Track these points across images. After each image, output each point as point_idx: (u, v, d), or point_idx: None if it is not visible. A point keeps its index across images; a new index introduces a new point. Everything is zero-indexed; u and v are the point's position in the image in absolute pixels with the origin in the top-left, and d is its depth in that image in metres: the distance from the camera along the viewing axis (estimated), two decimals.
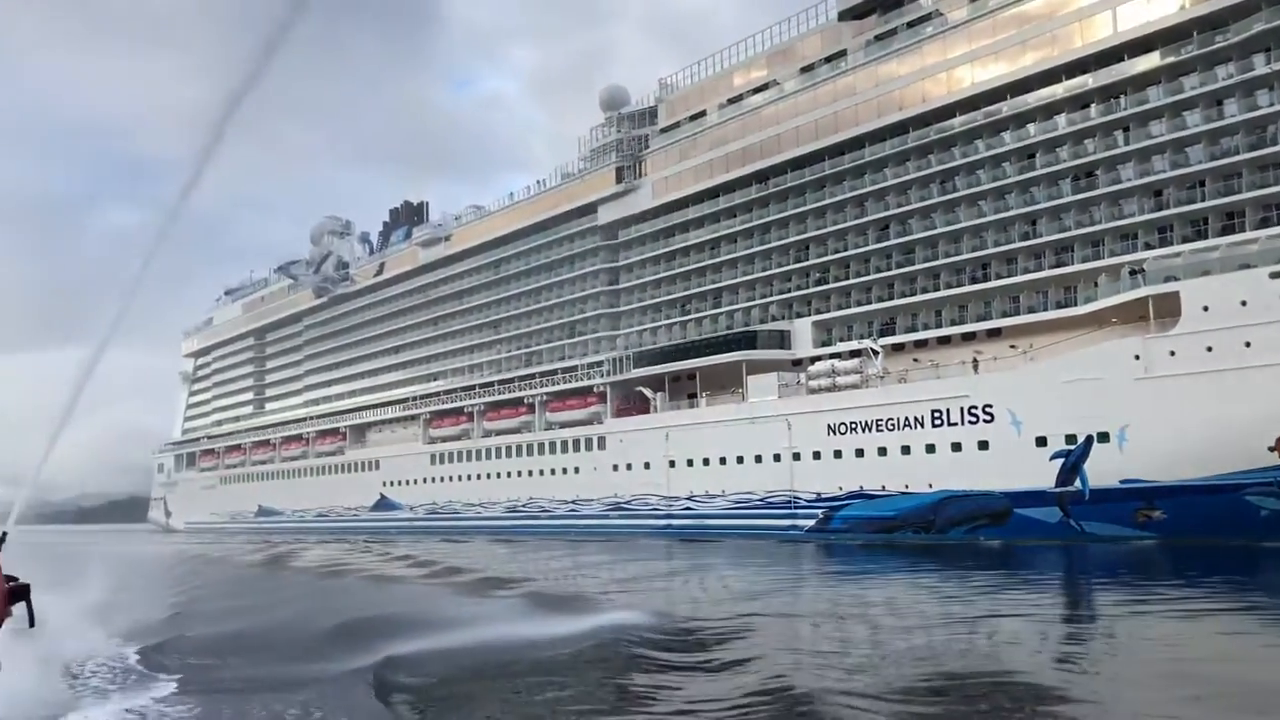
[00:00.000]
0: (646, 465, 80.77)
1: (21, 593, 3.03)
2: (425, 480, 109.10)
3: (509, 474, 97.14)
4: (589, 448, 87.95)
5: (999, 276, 63.83)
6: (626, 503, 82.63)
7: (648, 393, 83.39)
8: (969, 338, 64.88)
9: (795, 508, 68.45)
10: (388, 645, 20.53)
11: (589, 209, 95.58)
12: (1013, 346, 61.47)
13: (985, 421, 58.25)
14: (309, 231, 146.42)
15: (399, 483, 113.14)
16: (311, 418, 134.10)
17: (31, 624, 3.09)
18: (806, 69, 77.12)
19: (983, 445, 58.28)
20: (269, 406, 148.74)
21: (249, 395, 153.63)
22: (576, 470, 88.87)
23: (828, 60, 75.62)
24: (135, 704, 16.56)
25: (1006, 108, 64.22)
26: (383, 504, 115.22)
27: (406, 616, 25.98)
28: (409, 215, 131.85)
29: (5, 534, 3.84)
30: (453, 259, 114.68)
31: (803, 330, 74.95)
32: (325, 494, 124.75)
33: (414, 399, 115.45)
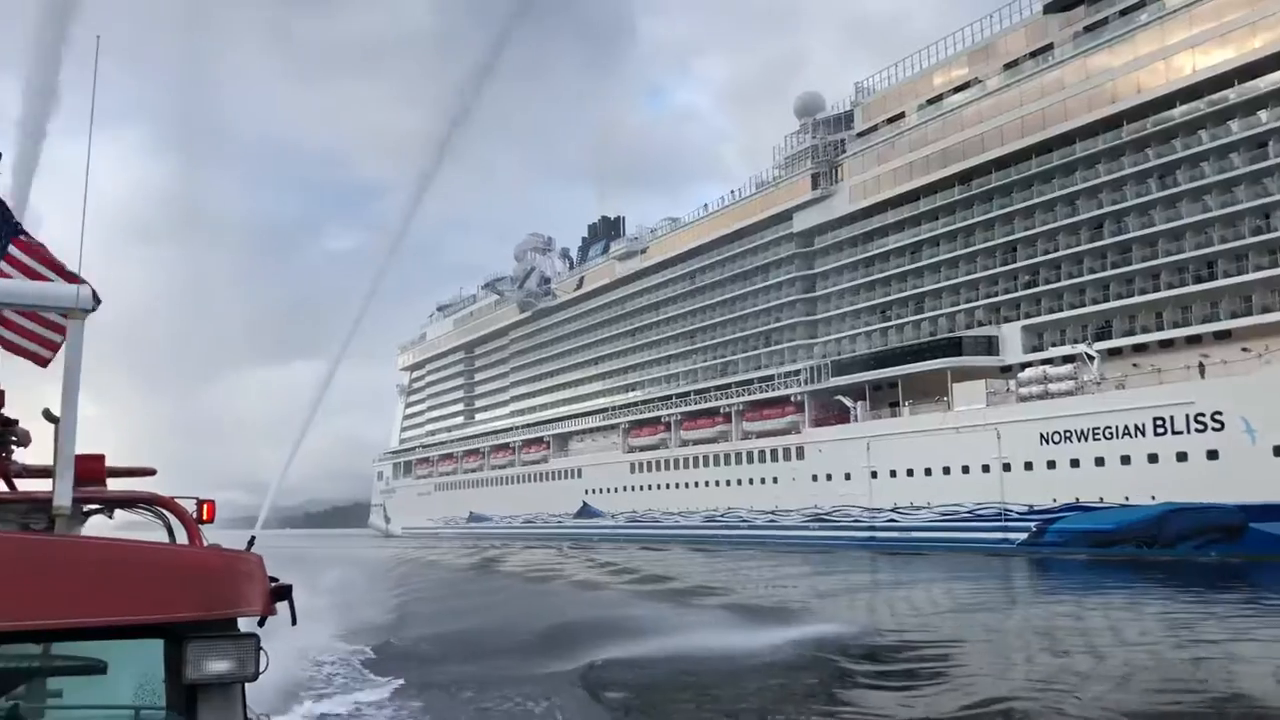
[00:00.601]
0: (847, 476, 79.41)
1: (284, 592, 3.35)
2: (625, 489, 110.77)
3: (706, 483, 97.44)
4: (787, 458, 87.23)
5: (1227, 275, 59.45)
6: (827, 514, 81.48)
7: (847, 402, 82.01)
8: (1194, 340, 60.64)
9: (1006, 520, 65.76)
10: (593, 650, 21.03)
11: (784, 217, 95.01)
12: (1245, 349, 57.06)
13: (1214, 429, 54.31)
14: (513, 249, 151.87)
15: (600, 490, 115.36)
16: (517, 427, 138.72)
17: (294, 622, 3.38)
18: (1010, 65, 74.21)
19: (1211, 455, 54.34)
20: (478, 417, 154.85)
21: (460, 406, 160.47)
22: (775, 480, 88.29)
23: (1033, 55, 72.54)
24: (365, 699, 17.65)
25: (1234, 94, 59.82)
26: (585, 511, 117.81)
27: (610, 622, 26.50)
28: (606, 230, 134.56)
29: (254, 537, 4.24)
30: (649, 271, 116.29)
31: (1011, 335, 71.97)
32: (531, 501, 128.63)
33: (613, 409, 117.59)
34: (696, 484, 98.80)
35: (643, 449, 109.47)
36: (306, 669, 19.92)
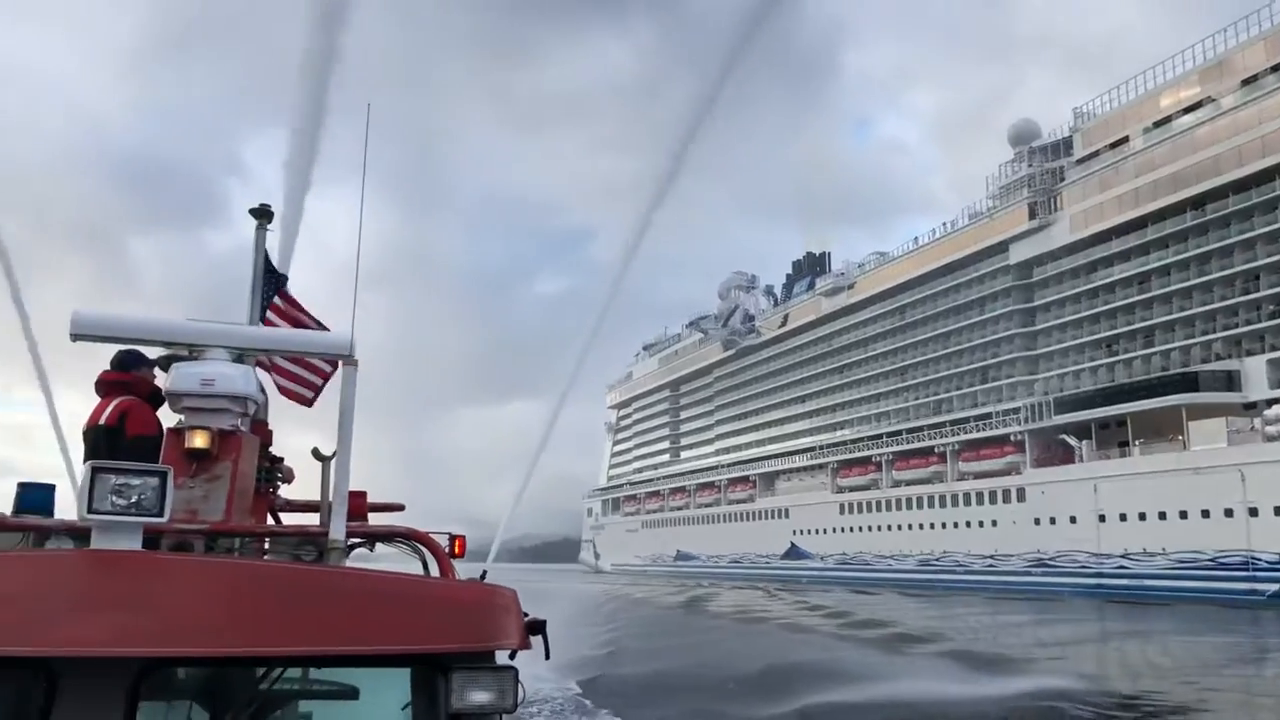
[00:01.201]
0: (1072, 519, 75.16)
1: (538, 627, 3.48)
2: (834, 530, 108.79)
3: (920, 525, 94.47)
4: (1007, 500, 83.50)
5: None
6: (1050, 559, 77.32)
7: (1071, 441, 77.76)
8: None
9: (1253, 570, 60.51)
10: (806, 694, 20.65)
11: (999, 248, 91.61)
12: None
13: None
14: (716, 287, 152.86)
15: (808, 531, 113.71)
16: (723, 466, 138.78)
17: (547, 656, 3.51)
18: (1249, 81, 69.19)
19: None
20: (684, 455, 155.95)
21: (666, 444, 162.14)
22: (994, 523, 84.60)
23: (1275, 69, 67.42)
24: None
25: None
26: (793, 552, 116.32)
27: (823, 666, 25.98)
28: (811, 266, 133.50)
29: (485, 572, 4.45)
30: (856, 307, 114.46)
31: (1256, 369, 66.52)
32: (737, 540, 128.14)
33: (821, 448, 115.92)
34: (910, 526, 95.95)
35: (852, 489, 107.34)
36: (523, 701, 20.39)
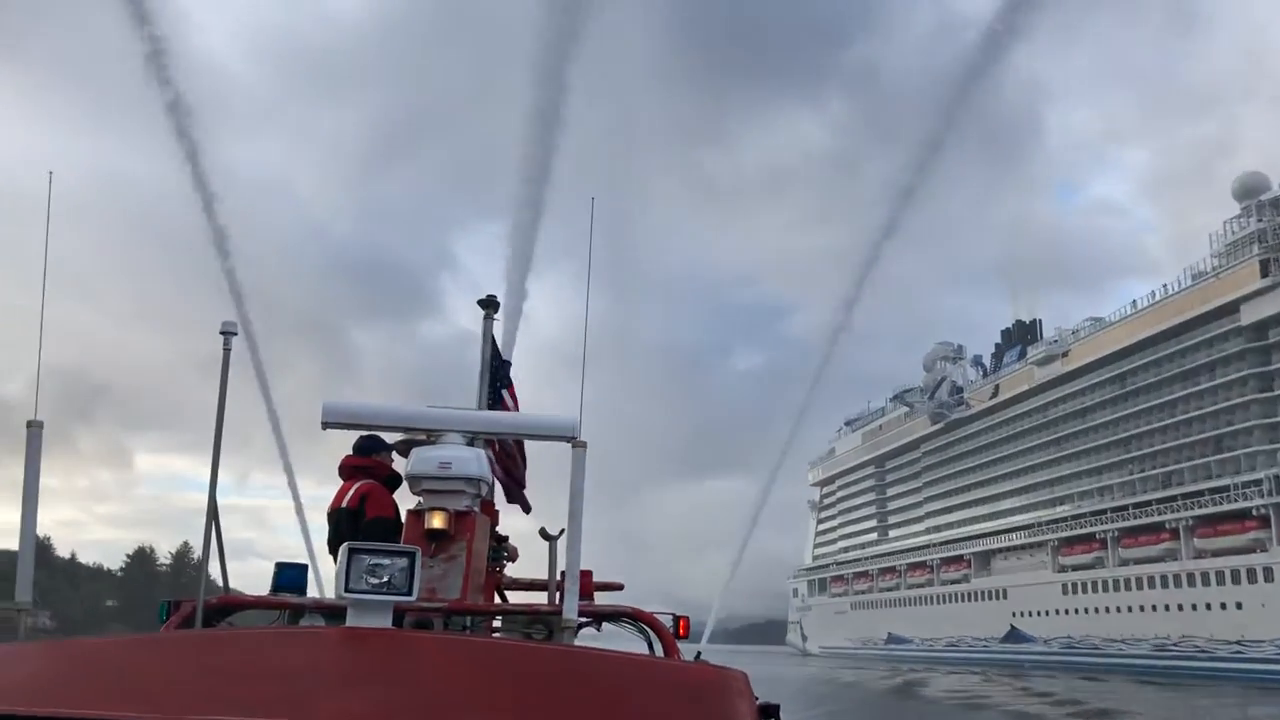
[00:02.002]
0: None
1: (772, 710, 3.46)
2: (1057, 611, 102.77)
3: (1154, 607, 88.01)
4: (1253, 579, 76.85)
5: None
6: None
7: None
8: None
9: None
10: None
11: (1228, 309, 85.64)
12: None
13: None
14: (920, 359, 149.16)
15: (1029, 613, 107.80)
16: (934, 545, 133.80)
17: None
18: None
19: None
20: (892, 533, 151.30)
21: (872, 522, 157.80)
22: (1238, 605, 77.89)
23: None
24: None
25: None
26: (1013, 635, 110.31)
27: None
28: (1021, 334, 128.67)
29: (700, 653, 4.48)
30: (1071, 375, 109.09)
31: None
32: (953, 623, 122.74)
33: (1039, 524, 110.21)
34: (1142, 608, 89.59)
35: (1076, 568, 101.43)
36: None
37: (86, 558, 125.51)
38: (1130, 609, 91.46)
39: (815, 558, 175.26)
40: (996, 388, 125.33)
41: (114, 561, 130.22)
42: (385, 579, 3.31)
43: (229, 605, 4.76)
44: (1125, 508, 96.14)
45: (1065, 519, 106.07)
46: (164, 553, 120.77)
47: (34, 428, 3.77)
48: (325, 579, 6.09)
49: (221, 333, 4.33)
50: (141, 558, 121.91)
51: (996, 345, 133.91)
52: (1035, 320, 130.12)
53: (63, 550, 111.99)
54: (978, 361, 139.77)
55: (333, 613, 4.62)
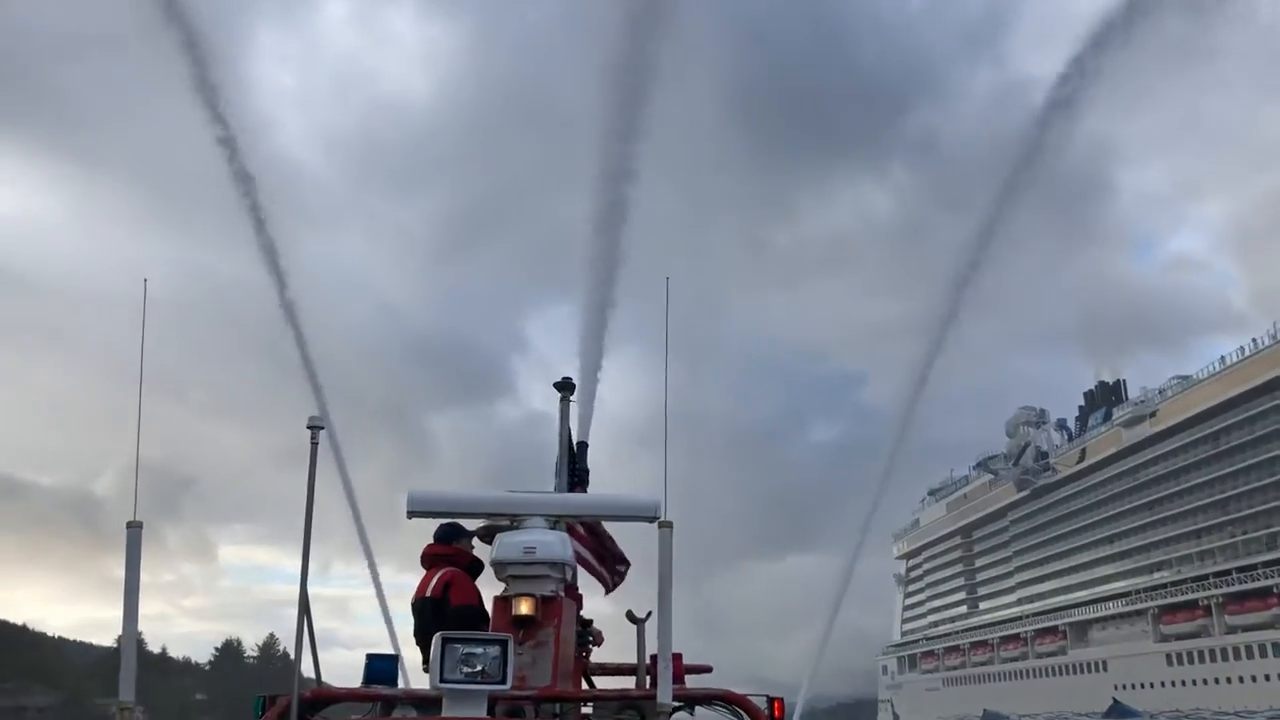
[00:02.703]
0: None
1: None
2: (1162, 683, 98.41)
3: (1265, 676, 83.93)
4: None
5: None
6: None
7: None
8: None
9: None
10: None
11: None
12: None
13: None
14: (1002, 425, 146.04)
15: (1131, 685, 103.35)
16: (1028, 616, 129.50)
17: None
18: None
19: None
20: (983, 605, 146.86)
21: (961, 595, 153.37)
22: None
23: None
24: None
25: None
26: (1116, 709, 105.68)
27: None
28: (1105, 396, 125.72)
29: None
30: (1161, 436, 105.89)
31: None
32: (1051, 697, 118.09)
33: (1137, 592, 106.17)
34: (1254, 677, 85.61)
35: (1179, 637, 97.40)
36: None
37: (174, 651, 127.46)
38: (1241, 679, 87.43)
39: (904, 633, 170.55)
40: (1083, 451, 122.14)
41: (200, 654, 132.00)
42: (479, 668, 3.30)
43: (322, 698, 4.75)
44: (1229, 572, 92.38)
45: (1165, 585, 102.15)
46: (250, 645, 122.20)
47: (134, 528, 3.83)
48: (411, 668, 6.08)
49: (309, 427, 4.40)
50: (229, 650, 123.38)
51: (1080, 408, 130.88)
52: (1119, 381, 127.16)
53: (152, 644, 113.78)
54: (1062, 425, 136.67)
55: (424, 703, 4.60)
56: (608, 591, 6.47)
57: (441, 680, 3.33)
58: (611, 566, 6.36)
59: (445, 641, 3.37)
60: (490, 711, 3.51)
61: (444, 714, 3.37)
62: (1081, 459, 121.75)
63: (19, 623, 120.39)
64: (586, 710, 5.07)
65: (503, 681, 3.34)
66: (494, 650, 3.35)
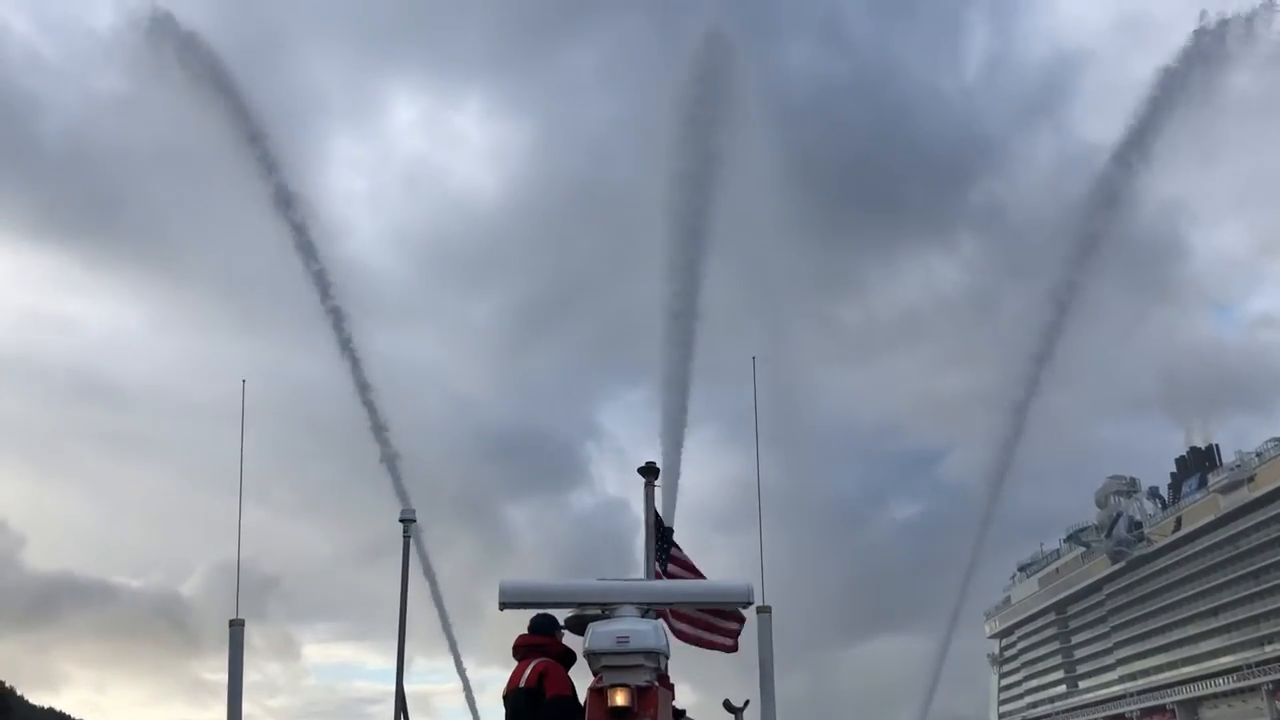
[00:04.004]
0: None
1: None
2: None
3: None
4: None
5: None
6: None
7: None
8: None
9: None
10: None
11: None
12: None
13: None
14: (1090, 495, 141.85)
15: None
16: (1131, 694, 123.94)
17: None
18: None
19: None
20: (1082, 684, 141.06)
21: (1059, 674, 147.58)
22: None
23: None
24: None
25: None
26: None
27: None
28: (1198, 461, 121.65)
29: None
30: (1262, 502, 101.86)
31: None
32: None
33: (1249, 666, 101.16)
34: None
35: None
36: None
37: None
38: None
39: (1001, 715, 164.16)
40: (1179, 520, 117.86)
41: None
42: None
43: None
44: None
45: (1278, 659, 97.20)
46: None
47: (236, 626, 3.91)
48: None
49: (401, 520, 4.49)
50: None
51: (1172, 475, 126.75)
52: (1211, 445, 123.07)
53: None
54: (1154, 494, 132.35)
55: None
56: (731, 649, 6.35)
57: None
58: (724, 627, 6.28)
59: None
60: None
61: None
62: (1178, 528, 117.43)
63: None
64: None
65: None
66: None
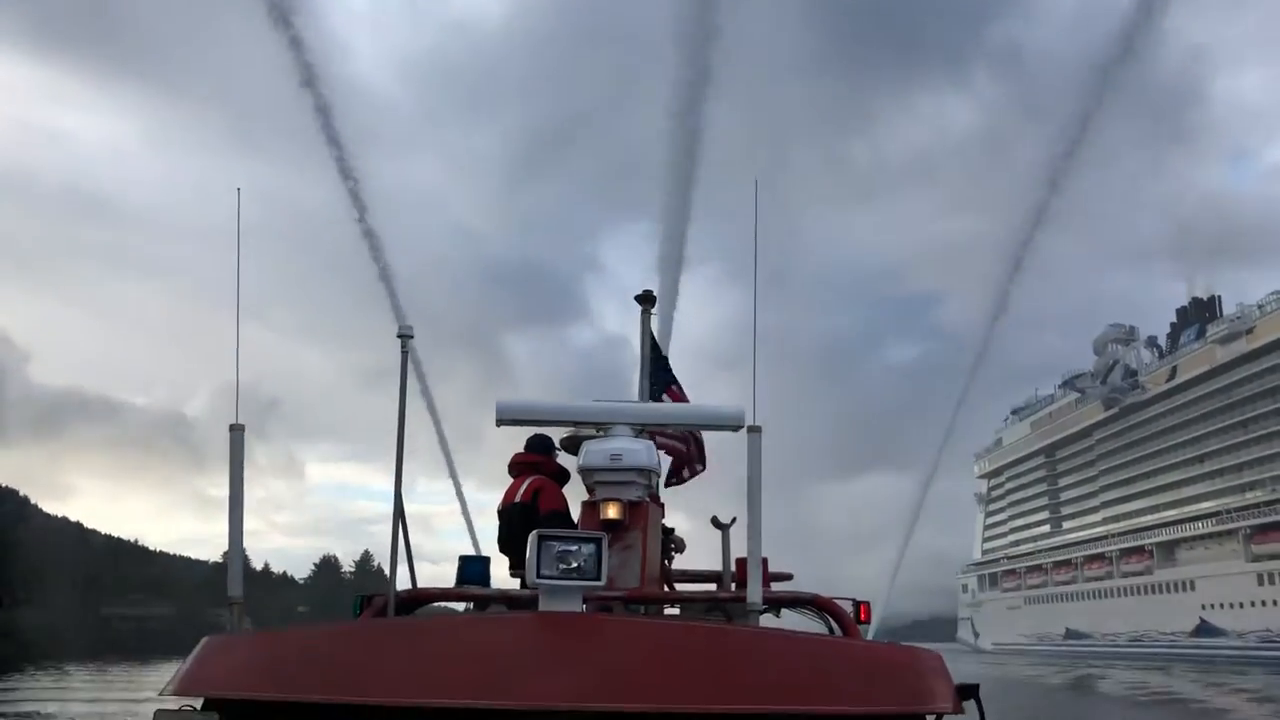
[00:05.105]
0: None
1: (971, 691, 3.41)
2: (1252, 603, 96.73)
3: None
4: None
5: None
6: None
7: None
8: None
9: None
10: None
11: None
12: None
13: None
14: (1089, 343, 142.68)
15: (1220, 605, 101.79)
16: (1113, 536, 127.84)
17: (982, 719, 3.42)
18: None
19: None
20: (1065, 525, 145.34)
21: (1044, 514, 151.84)
22: None
23: None
24: None
25: None
26: (1202, 629, 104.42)
27: None
28: (1198, 312, 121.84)
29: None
30: (1258, 353, 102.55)
31: None
32: (1135, 617, 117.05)
33: (1228, 512, 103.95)
34: None
35: (1272, 557, 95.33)
36: None
37: (273, 566, 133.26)
38: None
39: (985, 552, 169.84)
40: (1174, 369, 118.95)
41: (295, 568, 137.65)
42: (575, 565, 3.43)
43: (418, 599, 4.97)
44: None
45: (1257, 505, 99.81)
46: (346, 561, 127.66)
47: (236, 431, 4.02)
48: (495, 576, 6.29)
49: (399, 335, 4.56)
50: (327, 566, 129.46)
51: (1172, 325, 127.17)
52: (1213, 297, 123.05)
53: (253, 560, 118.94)
54: (1152, 343, 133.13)
55: (517, 603, 4.79)
56: (685, 479, 6.51)
57: (538, 576, 3.47)
58: (692, 465, 6.47)
59: (542, 539, 3.50)
60: None
61: (541, 609, 3.51)
62: (1172, 377, 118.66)
63: (130, 538, 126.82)
64: (671, 611, 5.23)
65: (598, 578, 3.46)
66: (589, 548, 3.47)
